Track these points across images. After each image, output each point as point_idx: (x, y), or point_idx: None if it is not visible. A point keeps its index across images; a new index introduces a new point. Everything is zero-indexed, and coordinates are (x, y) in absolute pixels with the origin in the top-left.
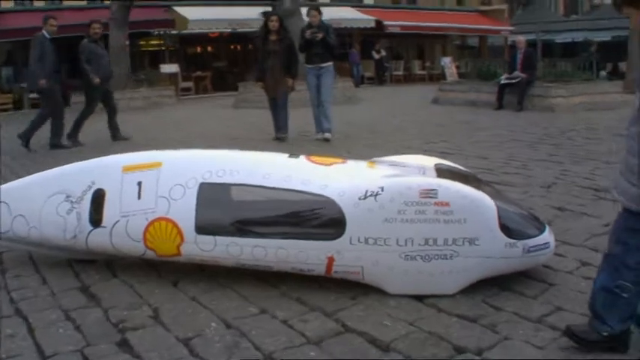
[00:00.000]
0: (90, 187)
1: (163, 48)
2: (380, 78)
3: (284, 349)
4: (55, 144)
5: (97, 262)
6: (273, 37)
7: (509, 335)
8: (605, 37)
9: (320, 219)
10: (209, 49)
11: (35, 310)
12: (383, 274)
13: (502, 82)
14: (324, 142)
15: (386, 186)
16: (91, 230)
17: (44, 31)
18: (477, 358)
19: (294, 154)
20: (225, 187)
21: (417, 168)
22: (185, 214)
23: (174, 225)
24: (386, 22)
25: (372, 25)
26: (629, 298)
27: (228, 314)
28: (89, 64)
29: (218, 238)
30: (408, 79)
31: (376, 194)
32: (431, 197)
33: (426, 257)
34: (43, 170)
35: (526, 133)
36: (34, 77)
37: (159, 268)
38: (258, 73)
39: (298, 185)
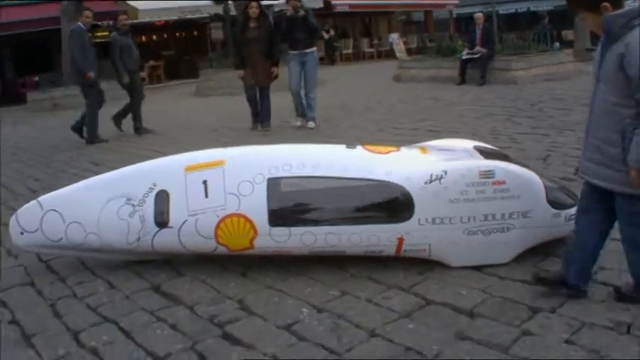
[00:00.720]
0: (152, 188)
1: None
2: (330, 57)
3: (384, 325)
4: (92, 140)
5: (157, 262)
6: (252, 24)
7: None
8: (548, 6)
9: (389, 203)
10: (156, 37)
11: (120, 314)
12: (448, 249)
13: (464, 57)
14: (308, 130)
15: (449, 169)
16: (157, 231)
17: (80, 23)
18: (553, 314)
19: (350, 145)
20: (293, 181)
21: (464, 151)
22: (257, 208)
23: (247, 219)
24: (334, 2)
25: (321, 5)
26: None
27: (314, 299)
28: (121, 58)
29: (292, 229)
30: (357, 57)
31: (440, 177)
32: (489, 177)
33: (486, 231)
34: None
35: (498, 107)
36: (78, 70)
37: (221, 262)
38: (237, 61)
39: (364, 174)
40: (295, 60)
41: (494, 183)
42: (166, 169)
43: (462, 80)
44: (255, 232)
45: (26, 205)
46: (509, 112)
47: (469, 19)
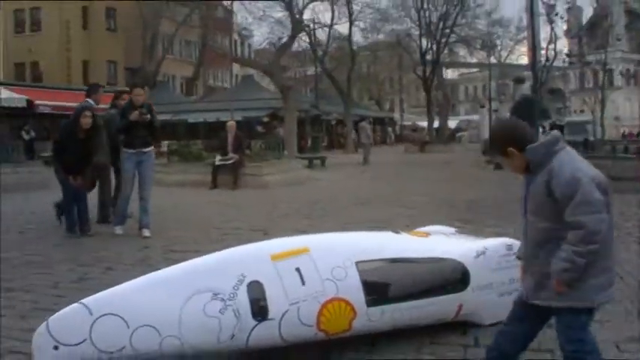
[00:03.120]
0: (241, 280)
1: None
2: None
3: None
4: (104, 220)
5: None
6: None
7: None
8: (238, 117)
9: (452, 276)
10: None
11: None
12: (486, 310)
13: (217, 163)
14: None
15: (488, 246)
16: (255, 325)
17: (112, 110)
18: None
19: (396, 230)
20: (376, 263)
21: (456, 233)
22: (354, 291)
23: (347, 303)
24: (37, 102)
25: (24, 104)
26: None
27: None
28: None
29: (384, 307)
30: None
31: (484, 252)
32: (510, 250)
33: (507, 293)
34: None
35: (281, 207)
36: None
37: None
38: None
39: (430, 253)
40: (132, 160)
41: (513, 254)
42: (251, 259)
43: (215, 185)
44: (355, 313)
45: (65, 310)
46: (292, 210)
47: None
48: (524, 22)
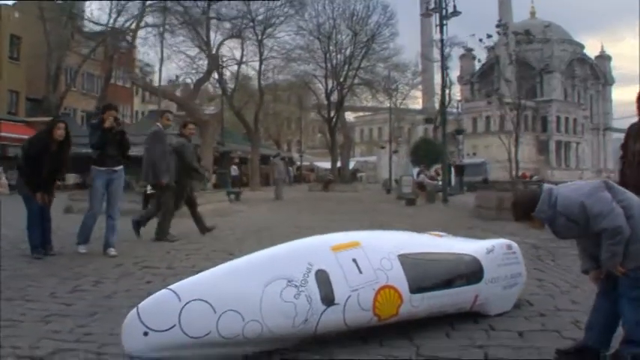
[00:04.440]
0: (309, 269)
1: None
2: None
3: None
4: (161, 237)
5: None
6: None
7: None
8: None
9: (470, 269)
10: None
11: None
12: (494, 302)
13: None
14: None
15: (495, 244)
16: (324, 310)
17: (160, 125)
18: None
19: (420, 231)
20: (413, 256)
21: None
22: (400, 279)
23: (395, 290)
24: None
25: None
26: None
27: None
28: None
29: (424, 294)
30: None
31: (492, 250)
32: (511, 249)
33: (508, 286)
34: None
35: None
36: (156, 172)
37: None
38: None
39: (452, 249)
40: (103, 178)
41: (512, 252)
42: (315, 250)
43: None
44: (401, 300)
45: (155, 297)
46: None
47: None
48: (420, 68)
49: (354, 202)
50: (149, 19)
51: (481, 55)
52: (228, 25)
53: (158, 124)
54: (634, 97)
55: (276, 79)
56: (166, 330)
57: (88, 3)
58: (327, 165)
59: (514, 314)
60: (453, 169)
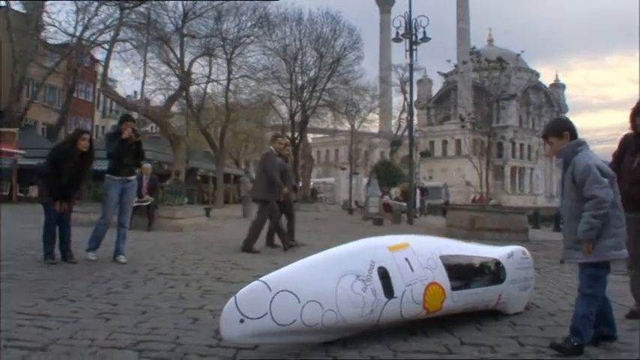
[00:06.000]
0: (372, 265)
1: None
2: None
3: None
4: (249, 248)
5: None
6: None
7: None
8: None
9: (497, 271)
10: None
11: None
12: (512, 301)
13: (134, 204)
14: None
15: (514, 250)
16: (387, 302)
17: (272, 148)
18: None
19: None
20: (451, 257)
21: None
22: (443, 277)
23: (440, 286)
24: None
25: None
26: None
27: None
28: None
29: (462, 291)
30: None
31: (512, 255)
32: (525, 254)
33: (523, 288)
34: None
35: (218, 249)
36: (263, 188)
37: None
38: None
39: (478, 253)
40: (117, 187)
41: (526, 258)
42: (375, 249)
43: (130, 226)
44: (445, 295)
45: (249, 287)
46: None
47: None
48: (378, 91)
49: (321, 223)
50: (122, 34)
51: (438, 82)
52: (198, 43)
53: (271, 147)
54: (587, 125)
55: (238, 99)
56: (259, 317)
57: (54, 15)
58: None
59: (527, 314)
60: (418, 191)
